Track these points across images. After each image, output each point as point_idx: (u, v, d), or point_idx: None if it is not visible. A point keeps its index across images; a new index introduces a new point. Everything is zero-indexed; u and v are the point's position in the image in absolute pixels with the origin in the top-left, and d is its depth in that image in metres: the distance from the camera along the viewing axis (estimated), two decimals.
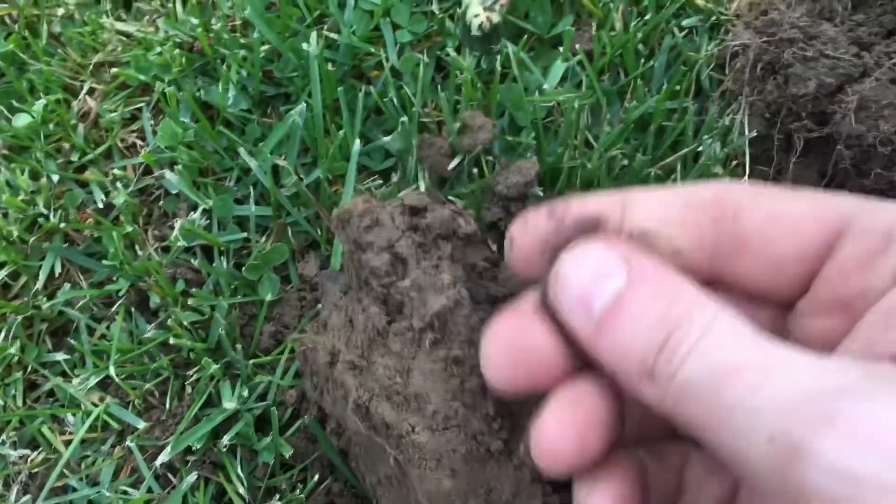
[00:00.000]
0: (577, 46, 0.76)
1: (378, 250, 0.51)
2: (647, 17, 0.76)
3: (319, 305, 0.66)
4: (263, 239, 0.72)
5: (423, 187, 0.72)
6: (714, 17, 0.75)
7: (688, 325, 0.31)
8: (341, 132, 0.72)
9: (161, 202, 0.75)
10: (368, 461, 0.57)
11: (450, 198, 0.71)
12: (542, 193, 0.70)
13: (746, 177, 0.68)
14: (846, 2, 0.65)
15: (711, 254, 0.39)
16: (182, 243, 0.70)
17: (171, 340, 0.66)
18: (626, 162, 0.71)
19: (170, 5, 0.82)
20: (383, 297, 0.52)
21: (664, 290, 0.33)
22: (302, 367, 0.61)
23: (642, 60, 0.75)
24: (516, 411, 0.53)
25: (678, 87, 0.73)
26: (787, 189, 0.37)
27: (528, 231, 0.42)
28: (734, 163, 0.70)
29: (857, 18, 0.65)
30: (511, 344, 0.41)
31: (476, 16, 0.73)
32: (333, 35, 0.76)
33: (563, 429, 0.37)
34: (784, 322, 0.40)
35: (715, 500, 0.39)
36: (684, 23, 0.75)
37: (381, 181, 0.74)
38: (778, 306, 0.40)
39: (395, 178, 0.74)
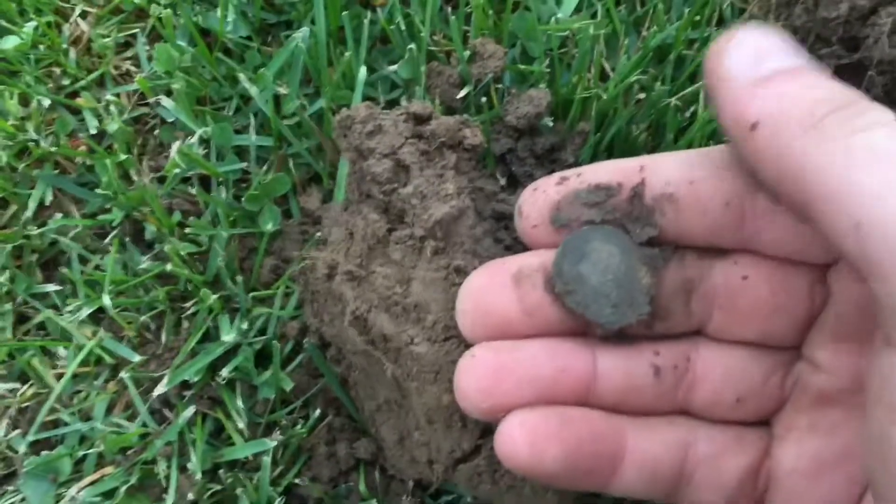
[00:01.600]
0: None
1: (380, 156, 0.49)
2: None
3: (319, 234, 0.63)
4: (264, 170, 0.69)
5: None
6: None
7: (870, 108, 0.32)
8: (345, 57, 0.68)
9: (156, 131, 0.72)
10: (368, 386, 0.55)
11: None
12: (551, 124, 0.67)
13: None
14: None
15: (738, 214, 0.39)
16: (179, 170, 0.67)
17: (169, 268, 0.63)
18: (643, 94, 0.68)
19: None
20: (384, 206, 0.49)
21: (831, 82, 0.34)
22: (302, 292, 0.58)
23: None
24: None
25: (698, 16, 0.70)
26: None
27: (537, 199, 0.42)
28: None
29: None
30: (482, 305, 0.42)
31: None
32: None
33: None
34: (822, 287, 0.40)
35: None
36: None
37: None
38: (815, 269, 0.40)
39: None
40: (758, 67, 0.34)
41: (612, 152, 0.67)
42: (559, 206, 0.43)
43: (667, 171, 0.40)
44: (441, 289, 0.47)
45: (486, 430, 0.49)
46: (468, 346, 0.45)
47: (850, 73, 0.60)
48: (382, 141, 0.50)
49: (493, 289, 0.43)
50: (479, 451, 0.49)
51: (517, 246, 0.51)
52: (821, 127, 0.31)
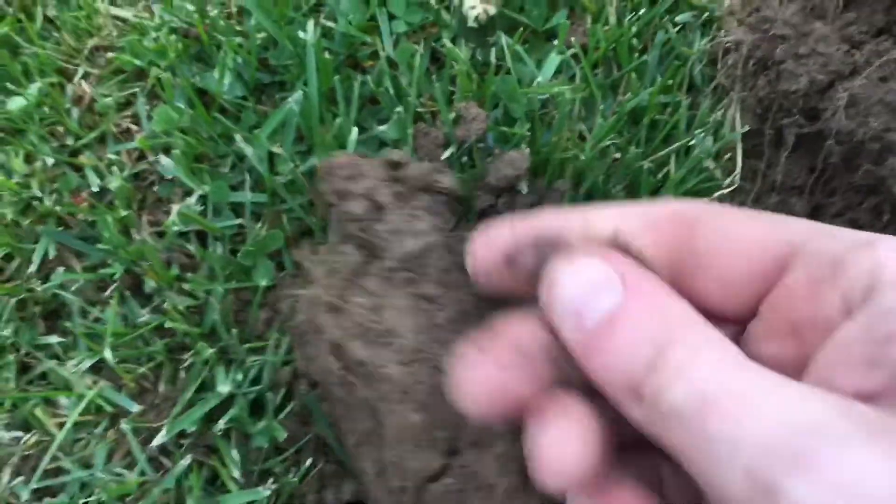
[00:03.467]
0: (572, 40, 0.77)
1: (358, 197, 0.53)
2: (641, 12, 0.77)
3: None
4: (258, 225, 0.72)
5: None
6: (707, 14, 0.76)
7: (679, 346, 0.31)
8: (338, 121, 0.72)
9: (156, 188, 0.75)
10: (348, 419, 0.57)
11: None
12: (525, 189, 0.71)
13: (738, 171, 0.69)
14: (837, 0, 0.66)
15: (670, 270, 0.38)
16: (177, 228, 0.70)
17: (167, 324, 0.66)
18: (618, 154, 0.72)
19: None
20: (361, 241, 0.53)
21: (658, 307, 0.33)
22: (291, 337, 0.61)
23: (636, 55, 0.76)
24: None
25: (671, 82, 0.74)
26: (745, 210, 0.37)
27: (489, 245, 0.42)
28: (726, 157, 0.71)
29: (848, 17, 0.66)
30: (485, 385, 0.38)
31: (472, 7, 0.74)
32: (330, 24, 0.77)
33: (562, 442, 0.35)
34: (739, 344, 0.37)
35: None
36: (677, 18, 0.76)
37: None
38: (735, 326, 0.40)
39: None
40: (583, 320, 0.33)
41: None
42: (509, 252, 0.42)
43: (603, 224, 0.40)
44: (410, 314, 0.51)
45: (454, 449, 0.51)
46: (435, 367, 0.48)
47: (810, 142, 0.64)
48: (360, 184, 0.54)
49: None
50: (448, 470, 0.52)
51: None
52: (641, 395, 0.31)
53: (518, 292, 0.41)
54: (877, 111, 0.59)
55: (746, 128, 0.69)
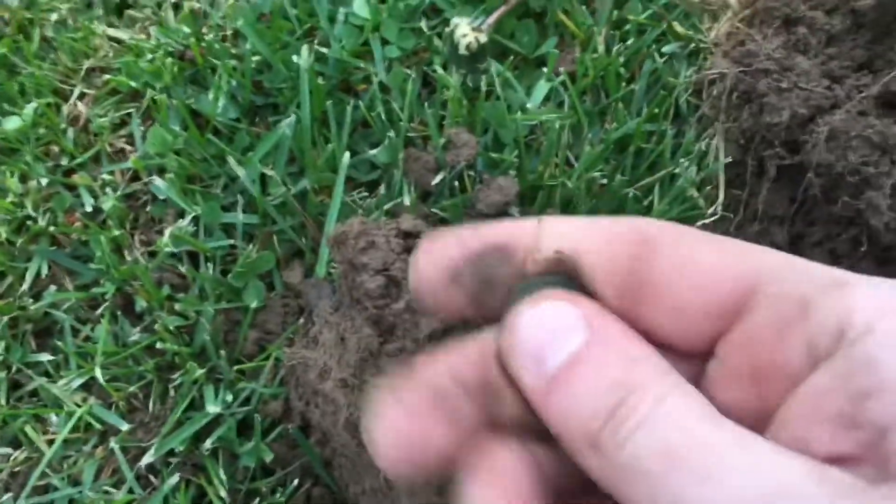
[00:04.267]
0: (561, 68, 0.79)
1: (373, 272, 0.54)
2: (629, 41, 0.78)
3: (303, 319, 0.68)
4: (250, 246, 0.73)
5: (407, 201, 0.73)
6: (693, 45, 0.77)
7: (641, 394, 0.29)
8: (330, 146, 0.73)
9: (149, 208, 0.76)
10: (353, 472, 0.58)
11: (433, 210, 0.72)
12: (517, 213, 0.72)
13: (720, 200, 0.71)
14: (820, 35, 0.67)
15: (620, 292, 0.35)
16: (169, 248, 0.71)
17: (158, 345, 0.67)
18: (604, 182, 0.73)
19: (162, 13, 0.83)
20: (376, 318, 0.54)
21: (622, 354, 0.31)
22: (288, 378, 0.62)
23: (623, 83, 0.77)
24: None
25: (657, 111, 0.75)
26: (711, 236, 0.34)
27: (433, 257, 0.37)
28: (708, 186, 0.73)
29: (830, 52, 0.67)
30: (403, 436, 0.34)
31: (464, 35, 0.75)
32: (323, 49, 0.78)
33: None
34: (699, 387, 0.34)
35: None
36: (664, 49, 0.78)
37: (366, 193, 0.76)
38: (692, 361, 0.36)
39: (381, 190, 0.75)
40: (544, 366, 0.31)
41: None
42: (454, 266, 0.38)
43: (557, 236, 0.37)
44: None
45: None
46: None
47: (791, 173, 0.66)
48: (375, 257, 0.54)
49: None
50: None
51: None
52: (598, 444, 0.29)
53: (464, 316, 0.37)
54: (855, 145, 0.61)
55: (730, 158, 0.70)
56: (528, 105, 0.77)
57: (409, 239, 0.57)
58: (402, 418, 0.33)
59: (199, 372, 0.67)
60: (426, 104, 0.75)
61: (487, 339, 0.34)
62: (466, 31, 0.76)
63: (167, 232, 0.71)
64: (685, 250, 0.33)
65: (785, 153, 0.65)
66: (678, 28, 0.78)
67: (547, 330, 0.32)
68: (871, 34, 0.67)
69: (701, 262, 0.33)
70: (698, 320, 0.33)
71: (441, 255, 0.37)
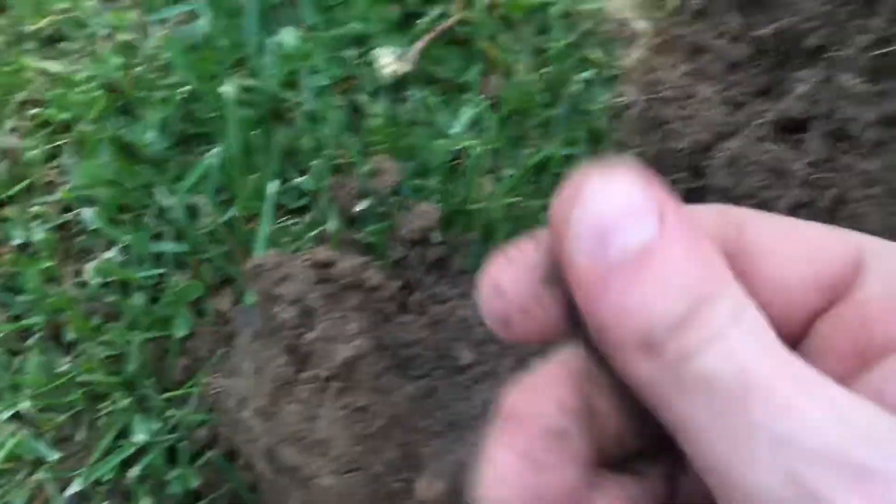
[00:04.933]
0: (484, 95, 0.81)
1: (288, 303, 0.55)
2: (549, 68, 0.80)
3: (226, 348, 0.69)
4: (177, 275, 0.75)
5: (333, 227, 0.75)
6: (608, 72, 0.80)
7: (718, 306, 0.26)
8: (255, 175, 0.75)
9: (80, 237, 0.77)
10: (278, 498, 0.60)
11: (355, 237, 0.74)
12: (441, 238, 0.74)
13: None
14: (723, 63, 0.70)
15: None
16: (97, 280, 0.72)
17: (84, 377, 0.69)
18: (525, 205, 0.75)
19: (94, 45, 0.85)
20: (292, 347, 0.55)
21: (699, 256, 0.27)
22: (215, 405, 0.64)
23: (544, 108, 0.79)
24: (419, 451, 0.57)
25: (575, 135, 0.77)
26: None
27: (510, 271, 0.30)
28: None
29: (733, 78, 0.70)
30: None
31: (385, 66, 0.77)
32: (250, 82, 0.80)
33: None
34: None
35: None
36: (582, 75, 0.80)
37: (296, 219, 0.77)
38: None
39: (308, 217, 0.77)
40: (606, 247, 0.27)
41: None
42: (540, 270, 0.31)
43: None
44: (345, 425, 0.54)
45: None
46: (370, 476, 0.51)
47: (697, 197, 0.68)
48: (290, 288, 0.56)
49: None
50: None
51: (422, 376, 0.58)
52: (659, 352, 0.26)
53: (559, 329, 0.30)
54: (752, 170, 0.63)
55: None
56: (452, 131, 0.79)
57: (325, 269, 0.59)
58: (517, 470, 0.28)
59: (127, 401, 0.69)
60: (352, 132, 0.77)
61: (575, 353, 0.29)
62: (388, 61, 0.78)
63: (93, 264, 0.73)
64: (781, 227, 0.30)
65: (689, 178, 0.67)
66: (594, 55, 0.80)
67: (617, 209, 0.27)
68: (772, 61, 0.70)
69: (801, 236, 0.30)
70: (803, 293, 0.30)
71: (522, 263, 0.31)
